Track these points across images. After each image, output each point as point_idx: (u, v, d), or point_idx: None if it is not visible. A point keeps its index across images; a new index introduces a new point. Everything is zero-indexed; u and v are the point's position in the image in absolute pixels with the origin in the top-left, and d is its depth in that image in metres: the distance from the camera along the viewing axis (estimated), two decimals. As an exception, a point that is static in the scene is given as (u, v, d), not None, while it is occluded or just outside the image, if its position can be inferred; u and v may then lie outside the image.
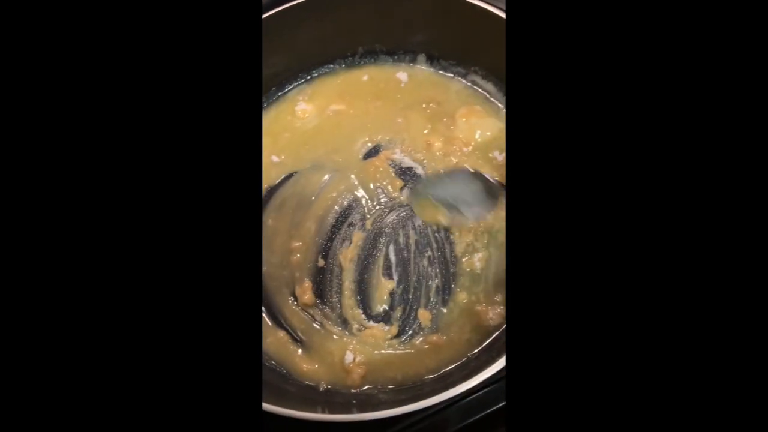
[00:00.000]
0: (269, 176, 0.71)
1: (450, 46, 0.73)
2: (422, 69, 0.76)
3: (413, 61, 0.76)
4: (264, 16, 0.67)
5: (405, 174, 0.68)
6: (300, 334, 0.62)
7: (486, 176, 0.63)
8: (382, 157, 0.69)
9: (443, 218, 0.63)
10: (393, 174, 0.68)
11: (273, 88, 0.77)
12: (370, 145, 0.71)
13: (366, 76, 0.77)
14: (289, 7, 0.67)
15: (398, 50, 0.76)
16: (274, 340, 0.62)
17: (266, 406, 0.49)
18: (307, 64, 0.77)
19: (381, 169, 0.69)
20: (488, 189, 0.63)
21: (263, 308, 0.64)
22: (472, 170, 0.64)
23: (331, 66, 0.78)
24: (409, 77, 0.76)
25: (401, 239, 0.65)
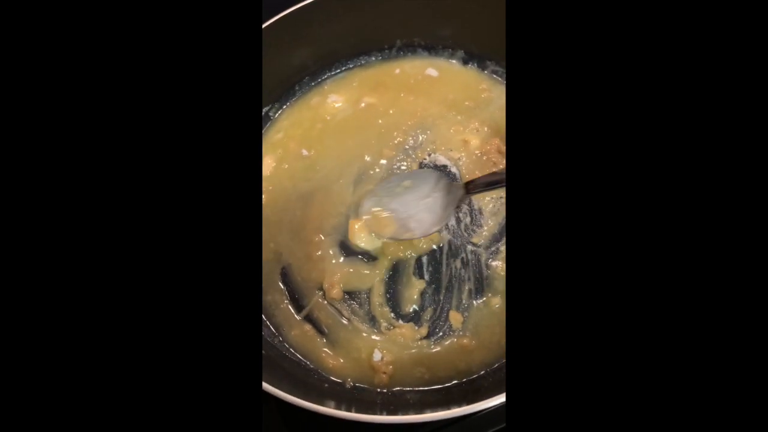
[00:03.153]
0: (297, 169, 0.70)
1: (488, 43, 0.72)
2: (458, 65, 0.75)
3: (452, 56, 0.75)
4: (301, 4, 0.66)
5: (440, 172, 0.67)
6: (327, 329, 0.61)
7: (450, 178, 0.58)
8: (416, 154, 0.68)
9: (389, 231, 0.60)
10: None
11: (306, 78, 0.76)
12: (401, 140, 0.70)
13: (398, 69, 0.76)
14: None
15: (436, 45, 0.75)
16: (299, 332, 0.62)
17: (294, 400, 0.48)
18: (343, 55, 0.76)
19: (414, 167, 0.68)
20: (447, 196, 0.58)
21: (288, 299, 0.63)
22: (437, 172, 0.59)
23: (367, 58, 0.76)
24: (441, 73, 0.75)
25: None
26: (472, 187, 0.57)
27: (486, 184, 0.56)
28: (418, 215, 0.59)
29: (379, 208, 0.61)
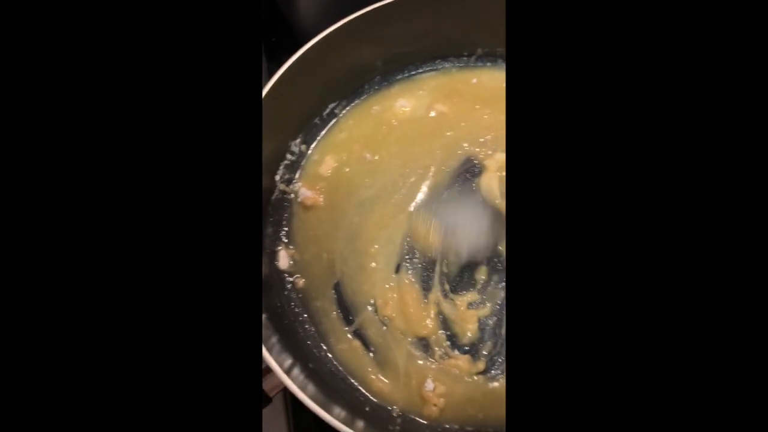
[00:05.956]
0: (358, 173, 0.67)
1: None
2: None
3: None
4: (380, 3, 0.62)
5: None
6: (376, 348, 0.59)
7: (495, 209, 0.58)
8: (486, 171, 0.65)
9: (436, 241, 0.59)
10: (495, 193, 0.63)
11: (377, 77, 0.72)
12: (469, 155, 0.66)
13: (475, 79, 0.72)
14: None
15: (520, 57, 0.70)
16: (347, 347, 0.60)
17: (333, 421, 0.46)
18: (418, 58, 0.72)
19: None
20: (493, 223, 0.57)
21: (338, 309, 0.61)
22: (483, 199, 0.59)
23: (443, 63, 0.73)
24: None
25: (499, 267, 0.60)
26: None
27: None
28: (464, 230, 0.58)
29: (430, 217, 0.60)
